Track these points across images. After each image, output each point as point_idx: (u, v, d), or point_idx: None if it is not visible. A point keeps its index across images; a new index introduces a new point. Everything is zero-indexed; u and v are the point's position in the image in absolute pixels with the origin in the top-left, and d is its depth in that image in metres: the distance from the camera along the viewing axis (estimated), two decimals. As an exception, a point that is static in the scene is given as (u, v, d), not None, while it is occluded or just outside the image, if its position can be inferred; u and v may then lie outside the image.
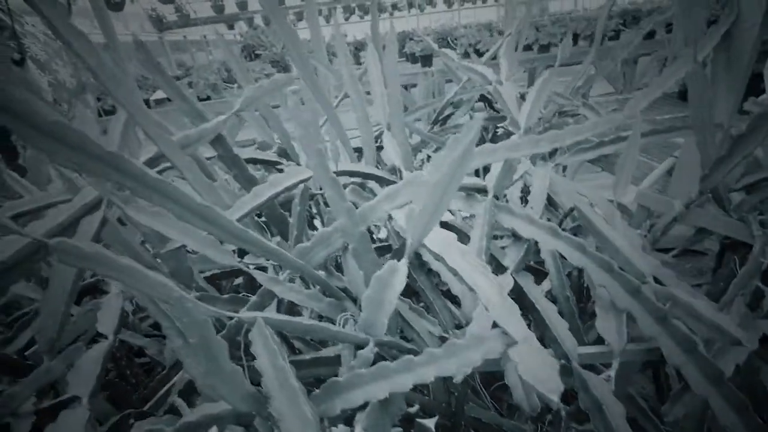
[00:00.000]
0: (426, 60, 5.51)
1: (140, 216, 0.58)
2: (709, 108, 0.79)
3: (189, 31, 8.01)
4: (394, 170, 1.07)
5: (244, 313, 0.51)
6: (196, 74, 4.15)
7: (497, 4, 11.29)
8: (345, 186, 0.79)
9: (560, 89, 1.40)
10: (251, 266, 0.81)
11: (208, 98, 3.65)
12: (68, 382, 0.53)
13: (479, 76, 1.28)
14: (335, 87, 1.38)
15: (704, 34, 0.84)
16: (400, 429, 0.47)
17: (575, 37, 5.50)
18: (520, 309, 0.47)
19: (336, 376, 0.65)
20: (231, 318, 0.59)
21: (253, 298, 0.69)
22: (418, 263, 0.77)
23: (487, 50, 1.87)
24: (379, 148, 1.12)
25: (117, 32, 0.65)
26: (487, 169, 0.82)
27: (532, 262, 0.82)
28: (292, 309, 0.79)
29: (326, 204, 1.02)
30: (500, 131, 1.45)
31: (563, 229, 0.87)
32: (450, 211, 0.83)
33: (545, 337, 0.58)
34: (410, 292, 0.73)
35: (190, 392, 0.78)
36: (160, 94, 3.96)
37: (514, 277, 0.61)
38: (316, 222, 1.17)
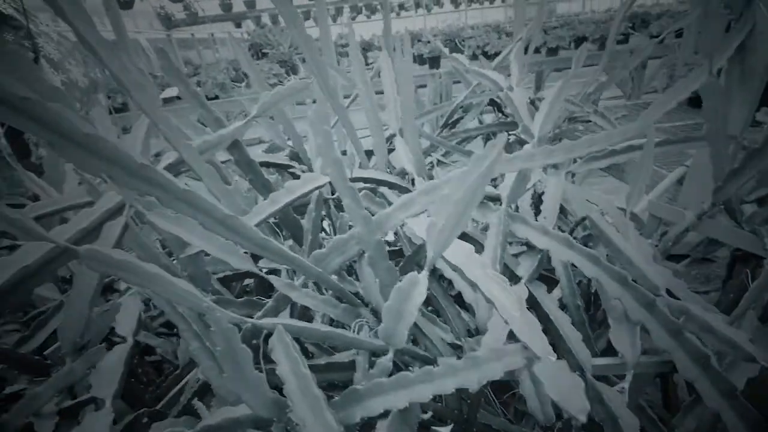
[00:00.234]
0: (434, 62, 5.52)
1: (162, 222, 0.59)
2: (723, 120, 0.79)
3: (197, 29, 8.04)
4: (402, 174, 1.08)
5: (265, 320, 0.52)
6: (205, 73, 4.18)
7: (504, 5, 11.25)
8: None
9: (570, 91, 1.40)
10: (264, 269, 0.82)
11: (217, 97, 3.67)
12: (91, 384, 0.54)
13: (490, 81, 1.29)
14: (343, 87, 1.38)
15: (719, 45, 0.84)
16: (416, 436, 0.48)
17: (584, 41, 5.48)
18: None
19: (350, 381, 0.66)
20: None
21: (269, 303, 0.70)
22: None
23: (495, 52, 1.88)
24: (388, 150, 1.13)
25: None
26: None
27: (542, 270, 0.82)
28: (305, 313, 0.80)
29: (337, 208, 1.03)
30: (511, 137, 1.45)
31: (574, 238, 0.88)
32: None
33: (559, 348, 0.59)
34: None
35: (203, 392, 0.80)
36: (167, 93, 3.99)
37: (528, 288, 0.62)
38: (325, 223, 1.18)
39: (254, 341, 0.70)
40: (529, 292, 0.62)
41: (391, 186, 0.91)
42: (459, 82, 1.67)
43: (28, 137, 1.82)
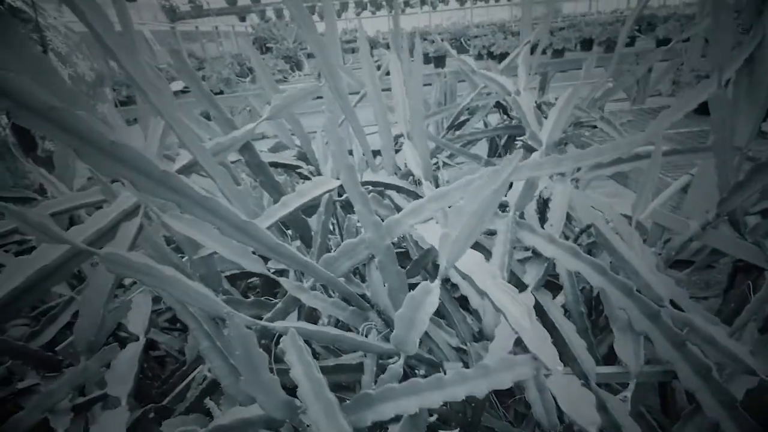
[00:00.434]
0: (439, 61, 5.51)
1: (177, 224, 0.60)
2: (730, 132, 0.80)
3: (201, 21, 8.01)
4: (406, 175, 1.09)
5: (278, 323, 0.53)
6: (210, 68, 4.17)
7: (510, 4, 11.19)
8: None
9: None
10: (271, 269, 0.83)
11: (221, 92, 3.67)
12: (106, 382, 0.56)
13: (498, 85, 1.29)
14: (348, 85, 1.39)
15: (729, 57, 0.84)
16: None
17: (590, 43, 5.46)
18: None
19: (358, 382, 0.68)
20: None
21: (279, 305, 0.71)
22: (437, 274, 0.79)
23: (501, 53, 1.88)
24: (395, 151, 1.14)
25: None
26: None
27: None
28: (311, 313, 0.81)
29: (343, 209, 1.04)
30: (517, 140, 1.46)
31: (579, 245, 0.89)
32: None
33: (564, 356, 0.60)
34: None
35: (211, 390, 0.81)
36: (173, 87, 4.00)
37: (534, 296, 0.63)
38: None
39: (263, 341, 0.72)
40: (536, 299, 0.63)
41: (399, 189, 0.92)
42: (464, 80, 1.68)
43: (34, 131, 1.83)
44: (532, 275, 0.68)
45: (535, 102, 1.50)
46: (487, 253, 0.73)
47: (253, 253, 0.83)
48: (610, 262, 0.78)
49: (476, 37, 5.60)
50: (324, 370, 0.69)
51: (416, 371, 0.70)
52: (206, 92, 0.71)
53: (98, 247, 0.60)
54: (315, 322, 0.83)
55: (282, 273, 0.91)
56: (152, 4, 7.28)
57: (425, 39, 5.90)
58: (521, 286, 0.67)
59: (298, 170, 1.15)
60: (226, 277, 0.97)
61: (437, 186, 0.98)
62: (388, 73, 1.19)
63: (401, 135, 1.04)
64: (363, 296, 0.74)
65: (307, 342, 0.80)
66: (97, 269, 0.61)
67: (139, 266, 0.46)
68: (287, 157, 1.17)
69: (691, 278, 1.34)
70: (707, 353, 0.57)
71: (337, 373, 0.69)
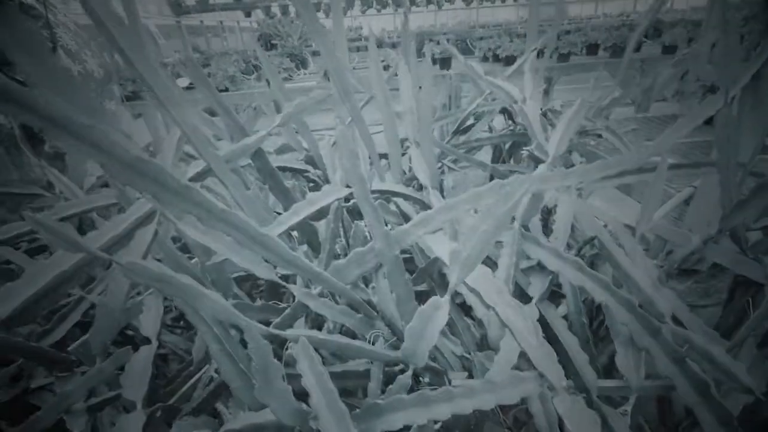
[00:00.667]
0: (444, 63, 5.50)
1: (191, 231, 0.61)
2: (735, 149, 0.81)
3: (206, 16, 8.00)
4: (411, 179, 1.10)
5: (290, 332, 0.54)
6: (215, 65, 4.17)
7: (516, 4, 11.13)
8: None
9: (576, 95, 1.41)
10: (278, 274, 0.84)
11: (227, 89, 3.68)
12: (122, 385, 0.57)
13: (504, 93, 1.30)
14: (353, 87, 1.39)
15: (736, 74, 0.85)
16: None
17: (596, 47, 5.45)
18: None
19: (364, 389, 0.69)
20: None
21: (287, 310, 0.72)
22: (442, 283, 0.80)
23: (507, 56, 1.88)
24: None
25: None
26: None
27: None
28: (317, 318, 0.83)
29: (350, 214, 1.05)
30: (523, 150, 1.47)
31: (582, 256, 0.90)
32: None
33: (565, 368, 0.61)
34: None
35: (219, 392, 0.83)
36: (179, 83, 4.00)
37: (539, 308, 0.65)
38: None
39: (272, 345, 0.73)
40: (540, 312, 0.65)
41: (407, 198, 0.94)
42: (469, 81, 1.69)
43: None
44: (536, 287, 0.70)
45: (541, 109, 1.51)
46: (492, 263, 0.75)
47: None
48: (613, 276, 0.79)
49: (482, 38, 5.59)
50: (332, 375, 0.71)
51: (421, 378, 0.72)
52: (220, 101, 0.72)
53: (113, 252, 0.62)
54: (320, 325, 0.85)
55: (287, 277, 0.93)
56: (158, -3, 7.29)
57: (431, 40, 5.90)
58: (525, 298, 0.69)
59: (306, 174, 1.17)
60: (233, 279, 0.99)
61: (442, 192, 0.99)
62: (395, 74, 1.20)
63: (407, 139, 1.05)
64: (369, 302, 0.76)
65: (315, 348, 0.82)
66: (115, 275, 0.62)
67: (158, 275, 0.47)
68: (294, 160, 1.18)
69: (692, 287, 1.35)
70: (706, 370, 0.59)
71: (343, 379, 0.70)
